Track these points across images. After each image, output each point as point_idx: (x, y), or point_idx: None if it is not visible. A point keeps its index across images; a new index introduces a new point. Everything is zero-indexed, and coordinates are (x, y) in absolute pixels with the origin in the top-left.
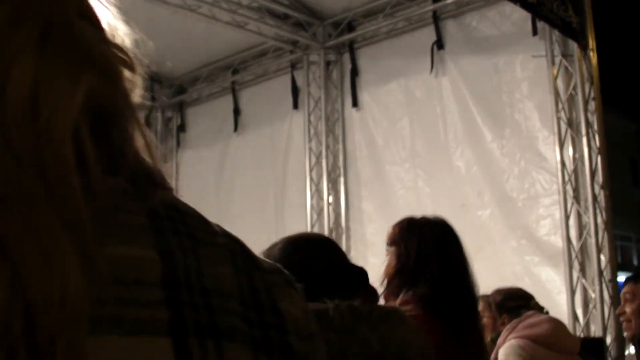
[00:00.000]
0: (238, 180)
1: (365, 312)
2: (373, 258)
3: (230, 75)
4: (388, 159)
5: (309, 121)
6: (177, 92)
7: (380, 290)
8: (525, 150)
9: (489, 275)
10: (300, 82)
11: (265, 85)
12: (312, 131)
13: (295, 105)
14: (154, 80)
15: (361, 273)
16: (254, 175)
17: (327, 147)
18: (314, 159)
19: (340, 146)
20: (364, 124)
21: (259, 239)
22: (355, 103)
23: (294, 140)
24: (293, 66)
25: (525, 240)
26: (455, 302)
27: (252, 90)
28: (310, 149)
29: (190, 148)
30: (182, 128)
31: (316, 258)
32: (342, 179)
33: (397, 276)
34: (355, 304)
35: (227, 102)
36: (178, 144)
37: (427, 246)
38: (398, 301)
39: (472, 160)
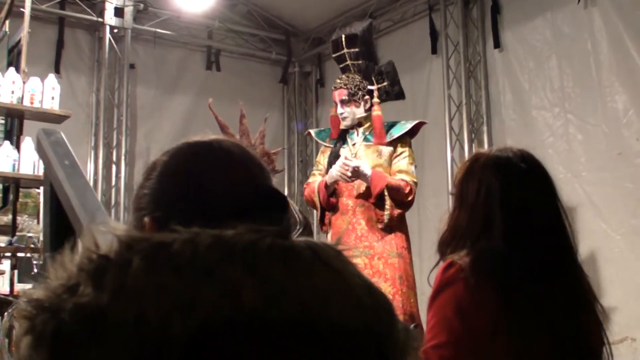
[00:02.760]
0: None
1: (247, 247)
2: None
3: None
4: (535, 104)
5: (448, 66)
6: (313, 45)
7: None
8: None
9: None
10: (438, 25)
11: (402, 32)
12: (451, 77)
13: (434, 51)
14: (290, 34)
15: (274, 197)
16: None
17: (468, 94)
18: (454, 108)
19: (483, 92)
20: (508, 67)
21: None
22: (497, 44)
23: (432, 89)
24: (431, 8)
25: None
26: (529, 272)
27: (389, 38)
28: (449, 96)
29: (329, 102)
30: (320, 82)
31: (216, 171)
32: (484, 128)
33: (451, 232)
34: (230, 234)
35: None
36: (317, 99)
37: (493, 190)
38: (441, 266)
39: (629, 102)
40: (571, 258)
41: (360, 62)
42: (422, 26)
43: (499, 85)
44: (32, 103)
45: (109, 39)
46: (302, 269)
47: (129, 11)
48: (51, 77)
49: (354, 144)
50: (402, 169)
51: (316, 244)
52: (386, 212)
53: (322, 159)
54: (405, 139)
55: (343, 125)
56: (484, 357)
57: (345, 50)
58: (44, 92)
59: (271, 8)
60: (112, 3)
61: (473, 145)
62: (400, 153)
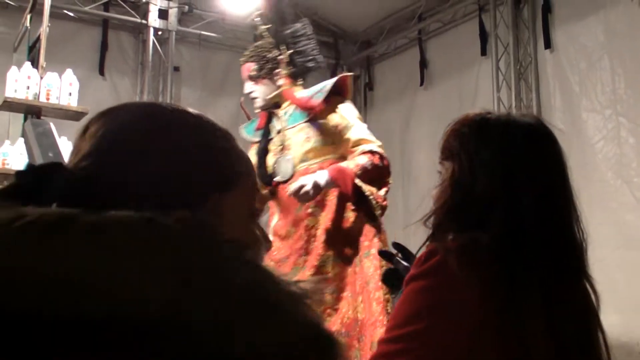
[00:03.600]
0: (423, 136)
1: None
2: None
3: (417, 22)
4: (585, 106)
5: (498, 68)
6: (362, 48)
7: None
8: None
9: None
10: (488, 26)
11: (451, 33)
12: (500, 79)
13: (484, 52)
14: (338, 37)
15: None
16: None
17: (518, 97)
18: (503, 111)
19: (534, 95)
20: (558, 67)
21: None
22: (548, 44)
23: (481, 91)
24: (481, 8)
25: None
26: (534, 255)
27: (438, 40)
28: (499, 99)
29: (378, 106)
30: (369, 86)
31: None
32: None
33: (445, 208)
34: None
35: (414, 55)
36: (365, 103)
37: (496, 162)
38: (424, 249)
39: None
40: (581, 258)
41: (270, 26)
42: (471, 27)
43: (549, 87)
44: (48, 99)
45: (153, 41)
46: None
47: (173, 13)
48: (69, 72)
49: (278, 132)
50: (356, 138)
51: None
52: (374, 204)
53: (252, 157)
54: (333, 103)
55: (256, 107)
56: None
57: (255, 16)
58: (61, 87)
59: (318, 10)
60: (156, 5)
61: None
62: (342, 121)
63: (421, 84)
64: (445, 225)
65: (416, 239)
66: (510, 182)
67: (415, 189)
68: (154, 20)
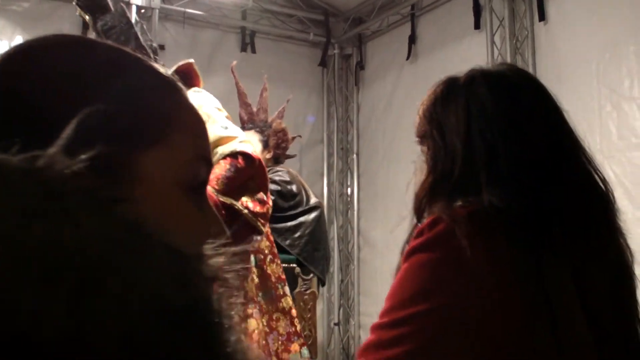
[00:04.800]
0: (409, 113)
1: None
2: None
3: None
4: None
5: (493, 42)
6: (354, 25)
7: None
8: None
9: None
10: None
11: (444, 8)
12: (496, 54)
13: (477, 26)
14: (329, 14)
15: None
16: None
17: None
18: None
19: (530, 69)
20: (552, 40)
21: None
22: (542, 16)
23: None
24: None
25: None
26: (553, 214)
27: (430, 16)
28: None
29: (369, 85)
30: (361, 65)
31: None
32: None
33: (433, 185)
34: None
35: (407, 32)
36: (357, 82)
37: (490, 112)
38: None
39: None
40: (609, 210)
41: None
42: (465, 1)
43: (547, 61)
44: None
45: (136, 19)
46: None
47: None
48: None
49: None
50: (212, 139)
51: None
52: (250, 218)
53: None
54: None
55: None
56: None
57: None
58: None
59: None
60: None
61: None
62: None
63: (407, 58)
64: (441, 197)
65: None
66: (512, 129)
67: (401, 170)
68: None
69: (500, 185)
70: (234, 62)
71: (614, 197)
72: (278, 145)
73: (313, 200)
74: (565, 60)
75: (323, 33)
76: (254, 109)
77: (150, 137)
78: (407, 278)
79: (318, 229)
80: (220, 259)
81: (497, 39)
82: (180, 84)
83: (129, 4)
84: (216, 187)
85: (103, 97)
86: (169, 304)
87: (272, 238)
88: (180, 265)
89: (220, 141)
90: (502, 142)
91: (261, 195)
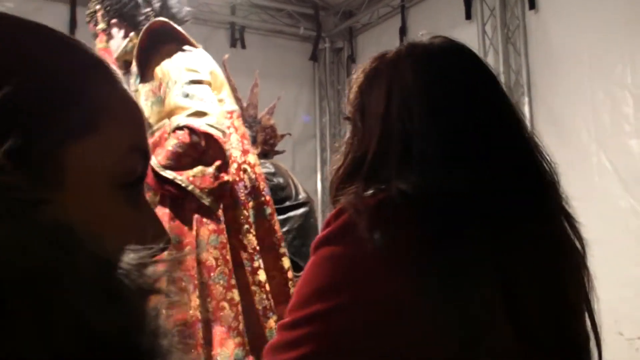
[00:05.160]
0: None
1: None
2: None
3: None
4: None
5: (484, 32)
6: (344, 18)
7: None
8: None
9: None
10: None
11: None
12: (487, 44)
13: (468, 16)
14: (319, 8)
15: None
16: None
17: (507, 61)
18: None
19: (522, 59)
20: (542, 28)
21: None
22: (532, 5)
23: None
24: None
25: None
26: (482, 218)
27: (420, 7)
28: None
29: None
30: (352, 59)
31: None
32: (526, 99)
33: (349, 167)
34: None
35: (397, 24)
36: (348, 76)
37: (414, 91)
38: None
39: None
40: (549, 193)
41: None
42: None
43: (538, 50)
44: None
45: None
46: None
47: None
48: None
49: (136, 91)
50: (170, 107)
51: None
52: (197, 193)
53: None
54: (163, 55)
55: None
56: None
57: None
58: None
59: None
60: None
61: None
62: (163, 79)
63: None
64: (343, 190)
65: None
66: (437, 108)
67: None
68: None
69: (415, 171)
70: (226, 56)
71: (558, 178)
72: (266, 142)
73: (302, 195)
74: (557, 49)
75: (313, 27)
76: (244, 105)
77: (78, 127)
78: (311, 272)
79: (307, 224)
80: (157, 268)
81: (488, 28)
82: (113, 67)
83: None
84: (162, 163)
85: (16, 79)
86: (94, 327)
87: (250, 210)
88: (109, 279)
89: (175, 110)
90: (420, 125)
91: (212, 170)
